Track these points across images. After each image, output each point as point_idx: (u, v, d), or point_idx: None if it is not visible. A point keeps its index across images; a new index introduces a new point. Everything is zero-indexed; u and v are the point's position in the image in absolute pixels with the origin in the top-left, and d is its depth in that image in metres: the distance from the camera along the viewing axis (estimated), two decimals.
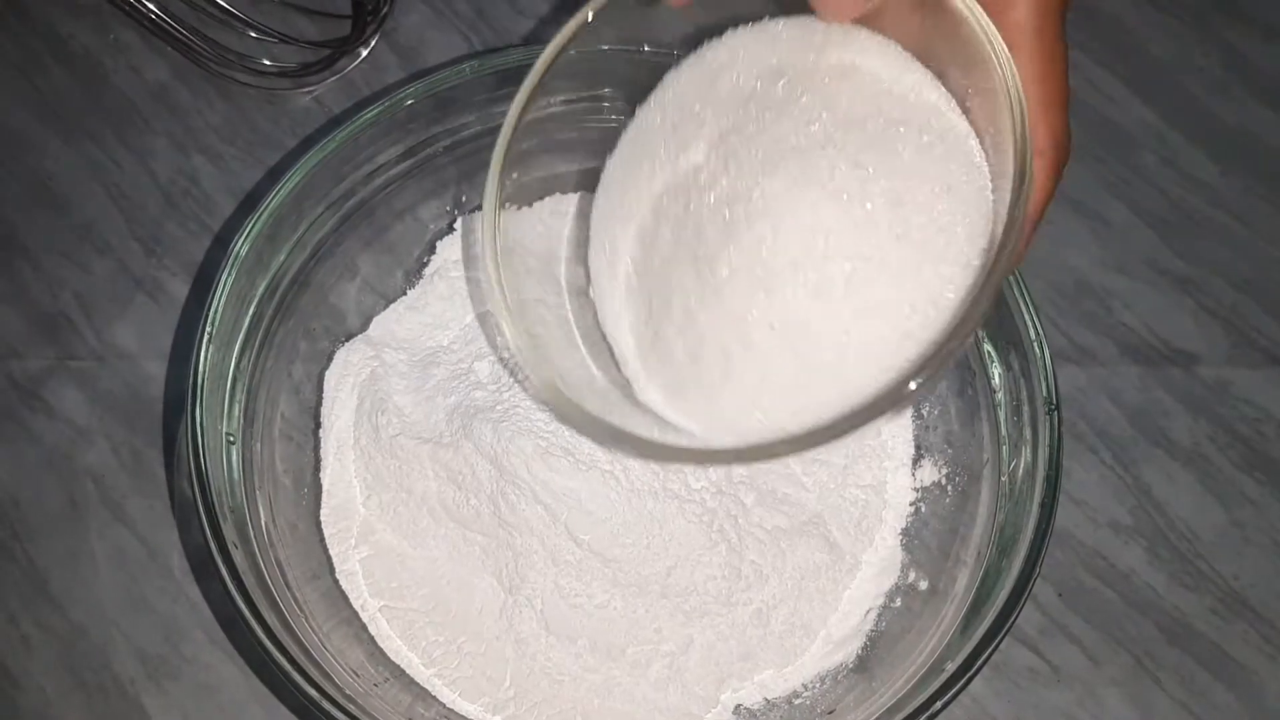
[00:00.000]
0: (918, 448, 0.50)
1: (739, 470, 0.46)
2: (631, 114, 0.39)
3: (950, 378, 0.49)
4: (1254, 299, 0.56)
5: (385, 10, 0.59)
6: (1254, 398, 0.54)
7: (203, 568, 0.49)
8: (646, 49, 0.48)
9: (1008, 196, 0.34)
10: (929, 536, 0.48)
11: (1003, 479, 0.44)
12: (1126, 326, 0.56)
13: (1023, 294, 0.44)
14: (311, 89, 0.59)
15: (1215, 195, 0.58)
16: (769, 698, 0.45)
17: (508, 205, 0.53)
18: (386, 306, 0.51)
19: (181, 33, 0.58)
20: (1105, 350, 0.55)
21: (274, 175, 0.56)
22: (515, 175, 0.52)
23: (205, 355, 0.42)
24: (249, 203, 0.56)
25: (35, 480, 0.51)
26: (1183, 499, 0.52)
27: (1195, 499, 0.52)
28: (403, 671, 0.44)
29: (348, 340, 0.50)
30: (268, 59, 0.59)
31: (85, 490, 0.51)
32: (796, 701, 0.45)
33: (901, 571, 0.47)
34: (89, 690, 0.48)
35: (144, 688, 0.48)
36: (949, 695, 0.39)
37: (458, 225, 0.52)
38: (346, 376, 0.49)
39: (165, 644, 0.48)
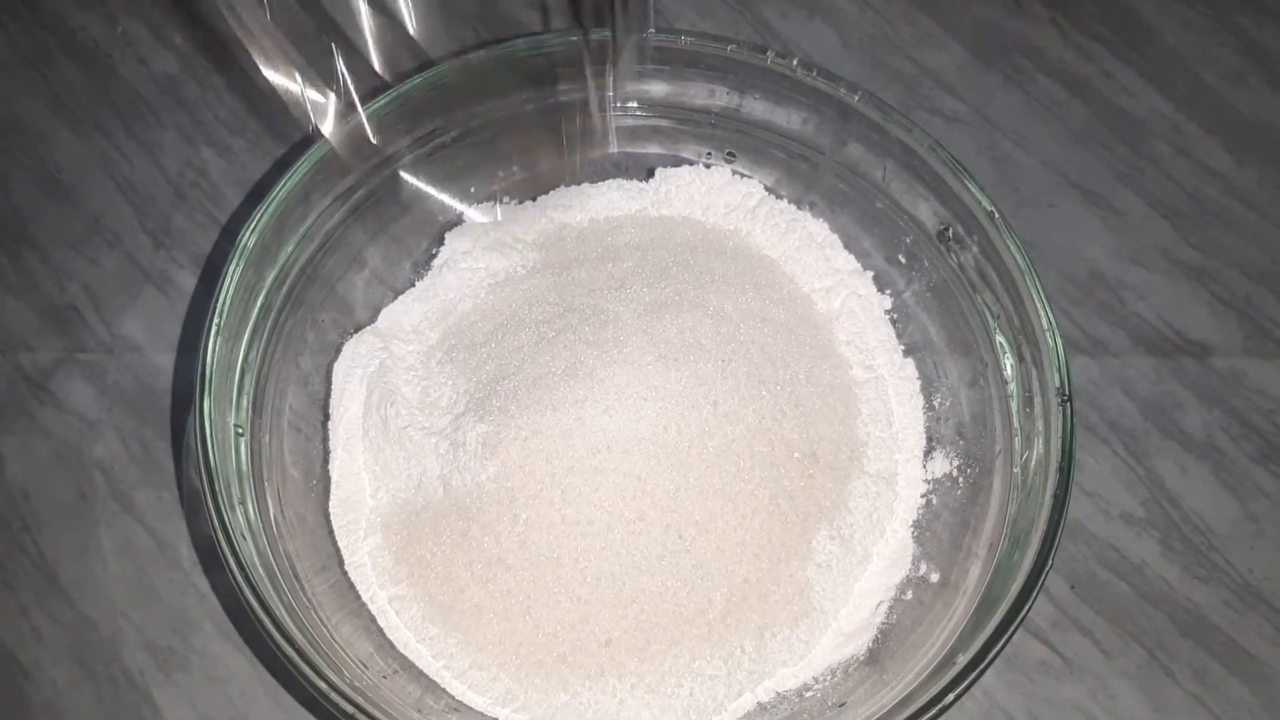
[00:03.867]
0: (929, 439, 0.49)
1: None
2: None
3: (962, 369, 0.49)
4: (1269, 289, 0.56)
5: None
6: (1268, 389, 0.54)
7: (211, 559, 0.49)
8: (652, 32, 0.48)
9: None
10: (940, 529, 0.47)
11: (1015, 470, 0.44)
12: (1140, 317, 0.55)
13: (1035, 285, 0.44)
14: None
15: (1230, 185, 0.58)
16: (780, 690, 0.45)
17: (507, 200, 0.53)
18: (395, 298, 0.51)
19: None
20: (1118, 341, 0.55)
21: (281, 167, 0.56)
22: (515, 169, 0.53)
23: (213, 347, 0.42)
24: (257, 194, 0.56)
25: (45, 472, 0.51)
26: (1196, 491, 0.52)
27: (1209, 491, 0.52)
28: (411, 664, 0.44)
29: (356, 332, 0.50)
30: None
31: (94, 482, 0.51)
32: (807, 694, 0.45)
33: (913, 564, 0.47)
34: (99, 681, 0.48)
35: (153, 679, 0.48)
36: (960, 688, 0.38)
37: (466, 217, 0.52)
38: (355, 368, 0.49)
39: (174, 635, 0.48)
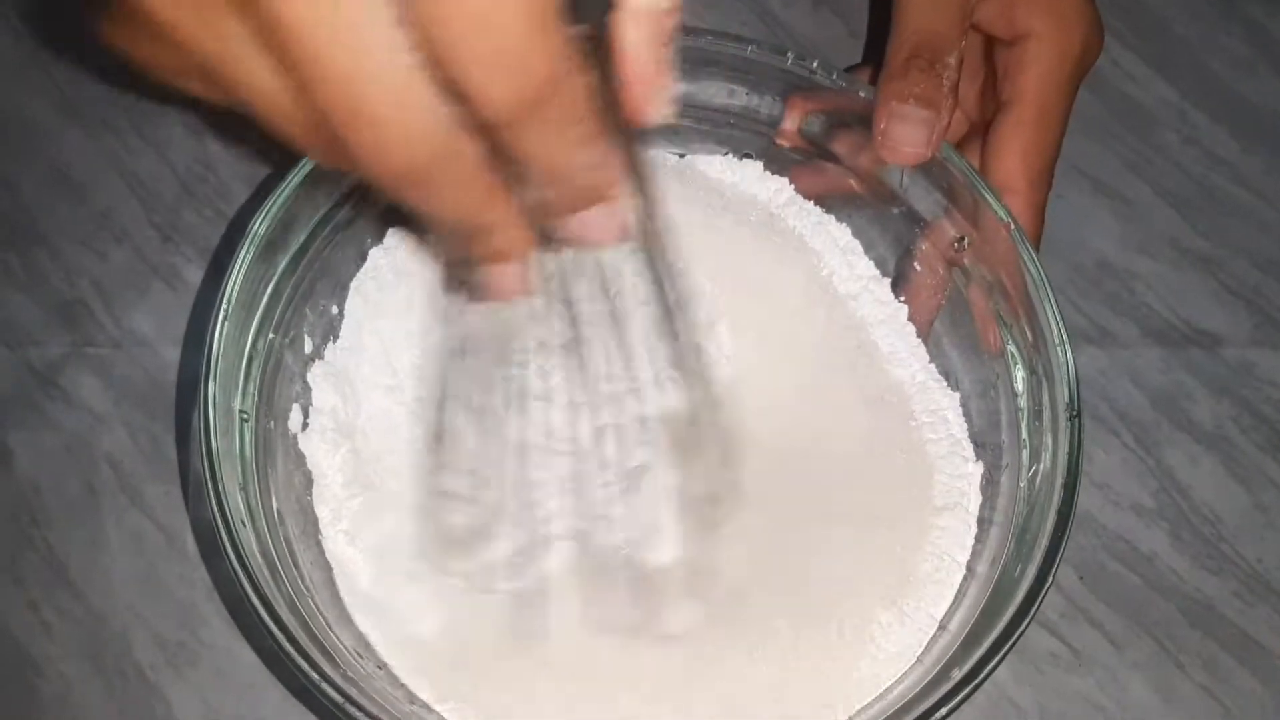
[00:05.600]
0: None
1: None
2: None
3: (972, 379, 0.48)
4: (1278, 279, 0.56)
5: None
6: (1278, 379, 0.54)
7: (213, 548, 0.48)
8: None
9: None
10: None
11: (1021, 485, 0.43)
12: (1148, 307, 0.55)
13: (1049, 297, 0.43)
14: None
15: (1238, 174, 0.58)
16: None
17: None
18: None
19: None
20: (1127, 331, 0.54)
21: (290, 162, 0.56)
22: None
23: (221, 331, 0.41)
24: (265, 190, 0.56)
25: (54, 467, 0.51)
26: (1206, 482, 0.52)
27: (1218, 482, 0.52)
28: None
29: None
30: None
31: (103, 476, 0.51)
32: None
33: None
34: (109, 676, 0.48)
35: (163, 673, 0.48)
36: (953, 703, 0.38)
37: None
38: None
39: (183, 629, 0.48)
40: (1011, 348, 0.45)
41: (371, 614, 0.44)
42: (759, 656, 0.43)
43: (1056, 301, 0.43)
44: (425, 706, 0.42)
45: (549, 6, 0.24)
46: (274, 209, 0.44)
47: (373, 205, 0.48)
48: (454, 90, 0.24)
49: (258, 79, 0.25)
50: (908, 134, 0.44)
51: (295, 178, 0.44)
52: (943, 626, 0.43)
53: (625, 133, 0.29)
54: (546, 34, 0.24)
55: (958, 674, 0.39)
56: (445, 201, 0.27)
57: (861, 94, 0.47)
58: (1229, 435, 0.53)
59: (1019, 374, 0.45)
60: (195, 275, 0.55)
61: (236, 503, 0.40)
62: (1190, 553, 0.51)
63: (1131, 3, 0.61)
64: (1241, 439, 0.53)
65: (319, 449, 0.46)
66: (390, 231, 0.49)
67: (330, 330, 0.49)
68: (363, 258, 0.49)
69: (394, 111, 0.24)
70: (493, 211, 0.28)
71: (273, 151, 0.57)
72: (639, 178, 0.31)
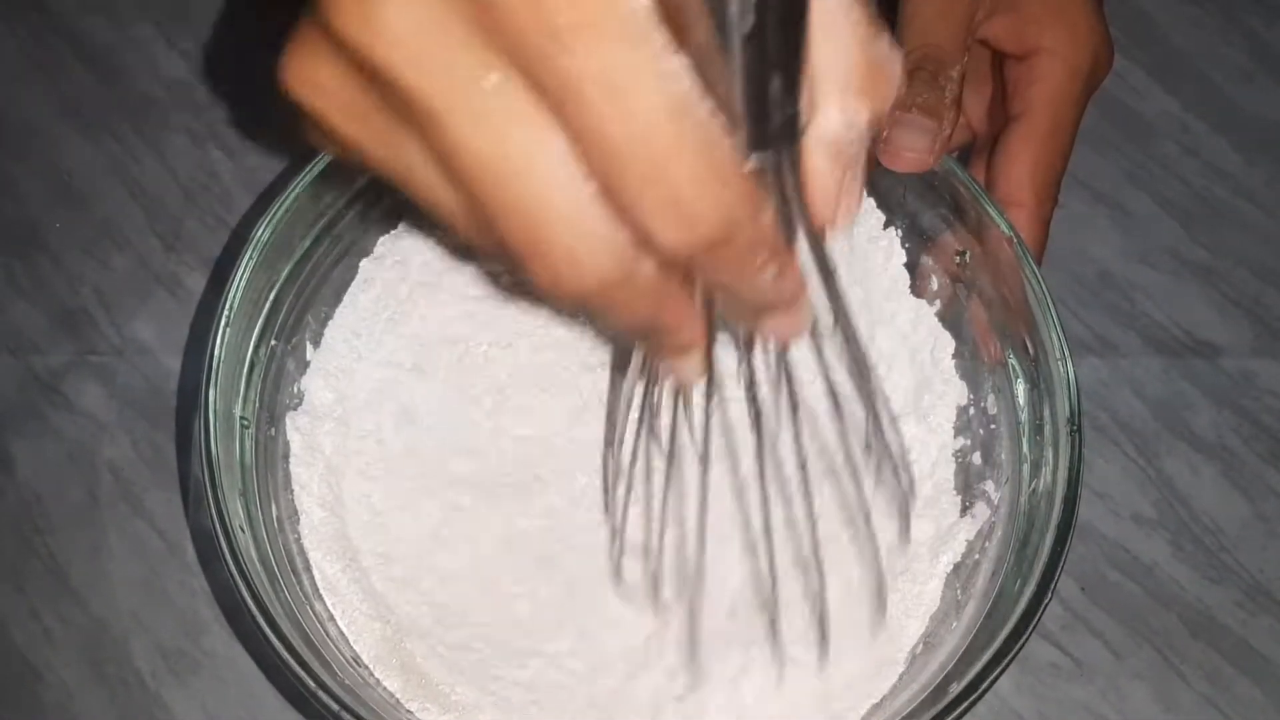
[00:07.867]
0: None
1: None
2: None
3: (973, 393, 0.48)
4: (1277, 289, 0.56)
5: None
6: (1278, 389, 0.54)
7: (211, 554, 0.49)
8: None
9: None
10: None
11: (1022, 499, 0.43)
12: (1149, 318, 0.55)
13: (1051, 311, 0.43)
14: None
15: (1239, 185, 0.58)
16: None
17: None
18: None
19: None
20: (1128, 342, 0.55)
21: (293, 170, 0.56)
22: None
23: (222, 337, 0.41)
24: (268, 198, 0.56)
25: (56, 474, 0.51)
26: (1206, 491, 0.52)
27: (1219, 491, 0.52)
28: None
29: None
30: None
31: (105, 484, 0.51)
32: None
33: None
34: (110, 683, 0.48)
35: (164, 681, 0.48)
36: (954, 715, 0.38)
37: None
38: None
39: (185, 637, 0.48)
40: (1012, 361, 0.45)
41: (359, 620, 0.44)
42: (752, 672, 0.43)
43: (1058, 315, 0.43)
44: (417, 716, 0.42)
45: (726, 155, 0.23)
46: (277, 217, 0.44)
47: (374, 211, 0.48)
48: (629, 223, 0.23)
49: (440, 195, 0.25)
50: (910, 141, 0.44)
51: (298, 186, 0.44)
52: (941, 640, 0.43)
53: (809, 239, 0.28)
54: (724, 184, 0.23)
55: (956, 688, 0.39)
56: (624, 313, 0.26)
57: None
58: (1230, 445, 0.53)
59: (1020, 387, 0.45)
60: (197, 283, 0.55)
61: (236, 509, 0.40)
62: (1191, 562, 0.50)
63: (1132, 14, 0.62)
64: (1242, 449, 0.53)
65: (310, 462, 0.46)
66: (379, 240, 0.49)
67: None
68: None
69: (571, 240, 0.24)
70: (671, 316, 0.27)
71: (276, 160, 0.57)
72: (823, 274, 0.30)
